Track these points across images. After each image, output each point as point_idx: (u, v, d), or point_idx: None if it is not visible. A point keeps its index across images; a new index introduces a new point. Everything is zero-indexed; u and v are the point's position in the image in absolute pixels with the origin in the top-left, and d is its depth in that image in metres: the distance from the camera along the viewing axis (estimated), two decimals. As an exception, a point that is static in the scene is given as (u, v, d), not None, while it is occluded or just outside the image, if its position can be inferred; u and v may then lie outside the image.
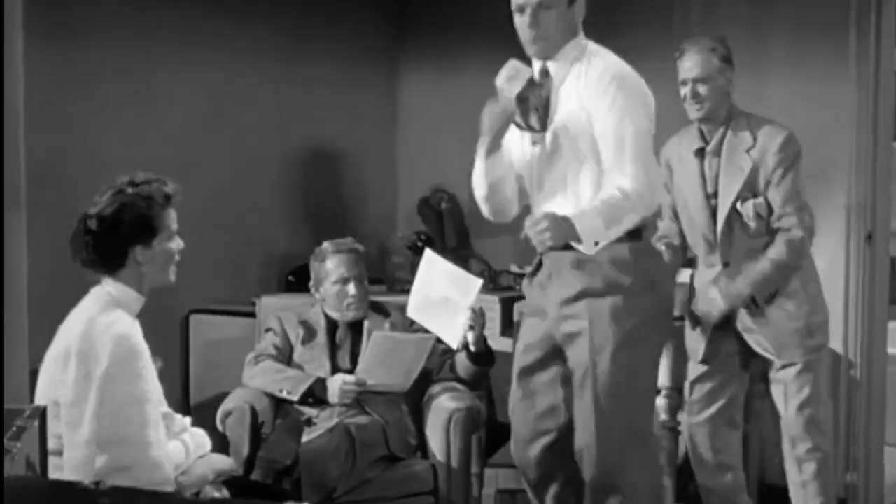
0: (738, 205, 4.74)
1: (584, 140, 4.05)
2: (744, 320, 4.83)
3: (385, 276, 6.59)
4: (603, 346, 4.07)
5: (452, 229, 6.69)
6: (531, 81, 4.11)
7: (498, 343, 5.50)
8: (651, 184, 4.04)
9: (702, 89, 4.73)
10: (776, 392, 4.89)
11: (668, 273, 4.50)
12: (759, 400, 5.28)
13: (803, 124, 5.46)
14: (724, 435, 4.97)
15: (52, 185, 4.99)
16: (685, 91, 4.76)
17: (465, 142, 6.85)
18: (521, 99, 4.11)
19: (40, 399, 3.60)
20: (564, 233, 3.94)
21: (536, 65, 4.17)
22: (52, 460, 3.25)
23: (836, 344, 5.55)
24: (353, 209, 6.81)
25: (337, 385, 5.05)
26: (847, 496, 5.54)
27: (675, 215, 4.99)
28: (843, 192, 5.50)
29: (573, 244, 4.02)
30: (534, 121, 4.16)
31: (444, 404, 5.10)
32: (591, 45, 4.18)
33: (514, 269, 6.43)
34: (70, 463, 3.49)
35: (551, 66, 4.15)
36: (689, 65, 4.75)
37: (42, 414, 2.98)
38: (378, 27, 7.13)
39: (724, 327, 4.86)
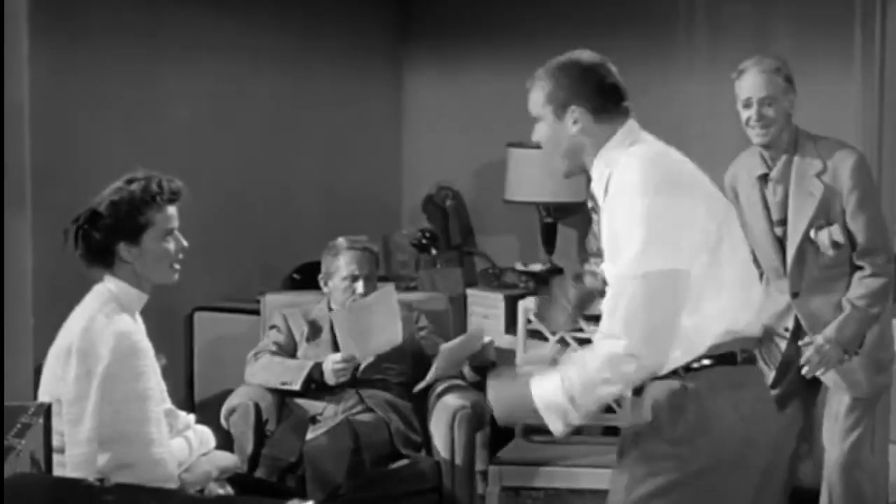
0: (812, 233, 4.45)
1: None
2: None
3: (389, 273, 6.60)
4: None
5: (457, 227, 6.71)
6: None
7: (503, 341, 5.51)
8: (643, 341, 3.08)
9: (768, 111, 4.41)
10: (826, 428, 4.67)
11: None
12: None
13: (807, 126, 5.45)
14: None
15: (56, 183, 4.99)
16: (749, 113, 4.43)
17: (469, 139, 6.89)
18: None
19: (43, 396, 3.61)
20: (511, 406, 3.22)
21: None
22: (55, 458, 3.26)
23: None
24: (357, 207, 6.81)
25: (329, 367, 5.07)
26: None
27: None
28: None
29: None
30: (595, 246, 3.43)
31: (449, 402, 5.11)
32: (622, 147, 3.27)
33: (519, 266, 6.43)
34: (72, 460, 3.49)
35: (592, 186, 3.36)
36: (753, 84, 4.43)
37: (47, 411, 2.99)
38: (382, 25, 7.13)
39: (790, 355, 4.60)
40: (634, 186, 3.14)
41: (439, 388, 5.22)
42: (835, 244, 4.43)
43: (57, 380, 3.59)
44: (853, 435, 4.62)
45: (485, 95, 6.59)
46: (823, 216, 4.44)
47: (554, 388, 3.13)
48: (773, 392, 4.39)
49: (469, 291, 6.41)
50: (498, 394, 3.28)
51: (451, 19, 6.91)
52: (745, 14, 5.74)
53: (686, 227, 3.14)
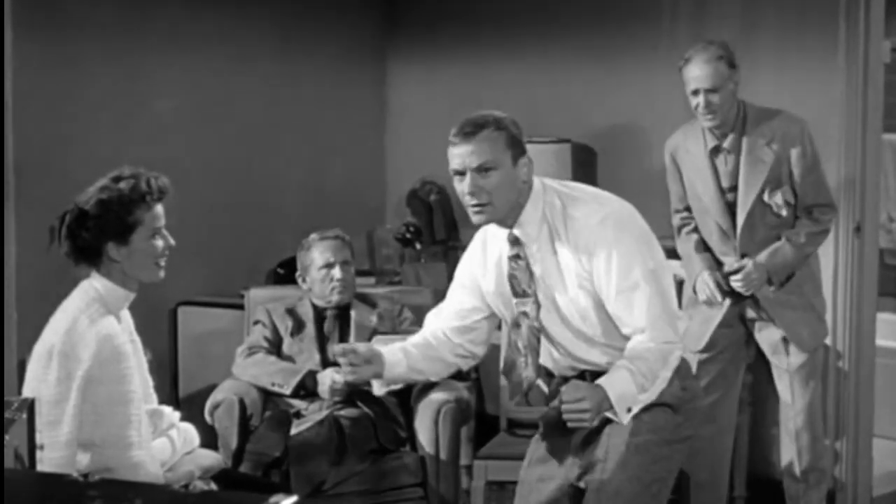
0: (766, 196, 4.79)
1: (584, 296, 3.60)
2: (752, 308, 4.95)
3: (374, 267, 6.59)
4: None
5: (441, 221, 6.69)
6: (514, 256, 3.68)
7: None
8: (674, 329, 3.60)
9: (714, 98, 4.72)
10: (783, 383, 5.02)
11: None
12: (751, 391, 5.31)
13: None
14: (720, 425, 5.07)
15: (40, 178, 4.98)
16: (697, 101, 4.75)
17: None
18: (511, 277, 3.69)
19: (27, 392, 3.58)
20: (600, 404, 3.48)
21: (502, 232, 3.70)
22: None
23: (824, 335, 5.58)
24: (342, 201, 6.80)
25: (327, 383, 5.06)
26: (835, 487, 5.55)
27: (685, 207, 5.08)
28: (832, 184, 5.50)
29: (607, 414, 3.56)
30: (523, 287, 3.69)
31: (434, 396, 5.10)
32: (554, 193, 3.65)
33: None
34: (49, 463, 3.45)
35: (517, 231, 3.65)
36: (699, 74, 4.73)
37: (30, 406, 2.98)
38: (367, 19, 7.12)
39: (728, 315, 4.95)
40: (605, 216, 3.56)
41: (424, 383, 5.21)
42: (787, 203, 4.83)
43: (38, 380, 3.56)
44: (809, 387, 5.02)
45: (469, 90, 6.58)
46: (774, 180, 4.78)
47: (626, 383, 3.49)
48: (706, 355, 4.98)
49: (453, 286, 6.40)
50: None
51: (435, 15, 6.90)
52: (733, 5, 5.73)
53: (650, 236, 3.65)
